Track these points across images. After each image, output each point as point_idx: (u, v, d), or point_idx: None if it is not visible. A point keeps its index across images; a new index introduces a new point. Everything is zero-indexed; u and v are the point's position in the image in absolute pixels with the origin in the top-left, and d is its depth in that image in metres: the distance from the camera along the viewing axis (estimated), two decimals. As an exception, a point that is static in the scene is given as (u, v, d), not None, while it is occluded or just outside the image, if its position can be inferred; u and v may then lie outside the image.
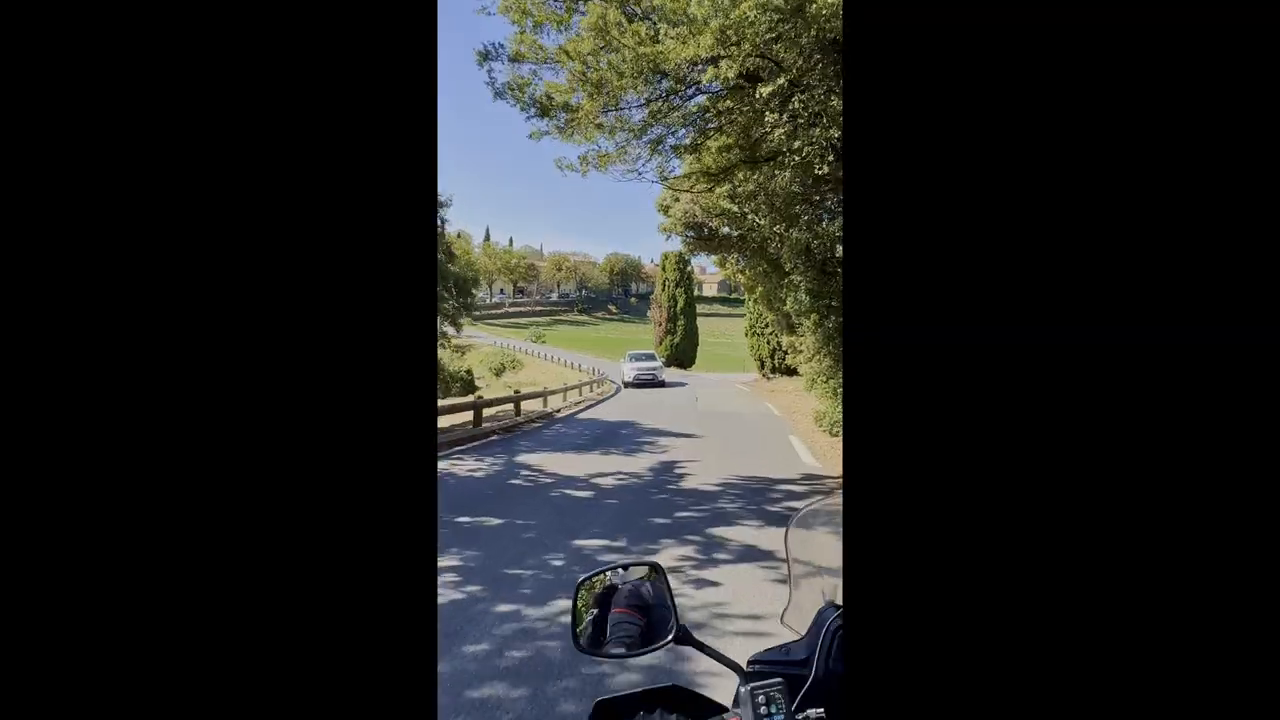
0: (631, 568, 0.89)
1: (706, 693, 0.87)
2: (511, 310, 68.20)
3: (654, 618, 0.85)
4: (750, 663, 0.87)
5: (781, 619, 1.04)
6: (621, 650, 0.83)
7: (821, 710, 0.77)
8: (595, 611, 0.86)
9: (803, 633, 0.93)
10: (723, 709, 0.83)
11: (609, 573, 0.89)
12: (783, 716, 0.75)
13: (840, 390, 8.19)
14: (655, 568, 0.89)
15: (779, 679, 0.78)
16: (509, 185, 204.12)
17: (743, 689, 0.78)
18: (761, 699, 0.76)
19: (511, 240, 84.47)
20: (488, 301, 70.29)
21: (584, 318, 72.06)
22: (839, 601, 0.92)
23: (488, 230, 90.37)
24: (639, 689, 0.85)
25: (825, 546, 1.06)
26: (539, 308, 73.52)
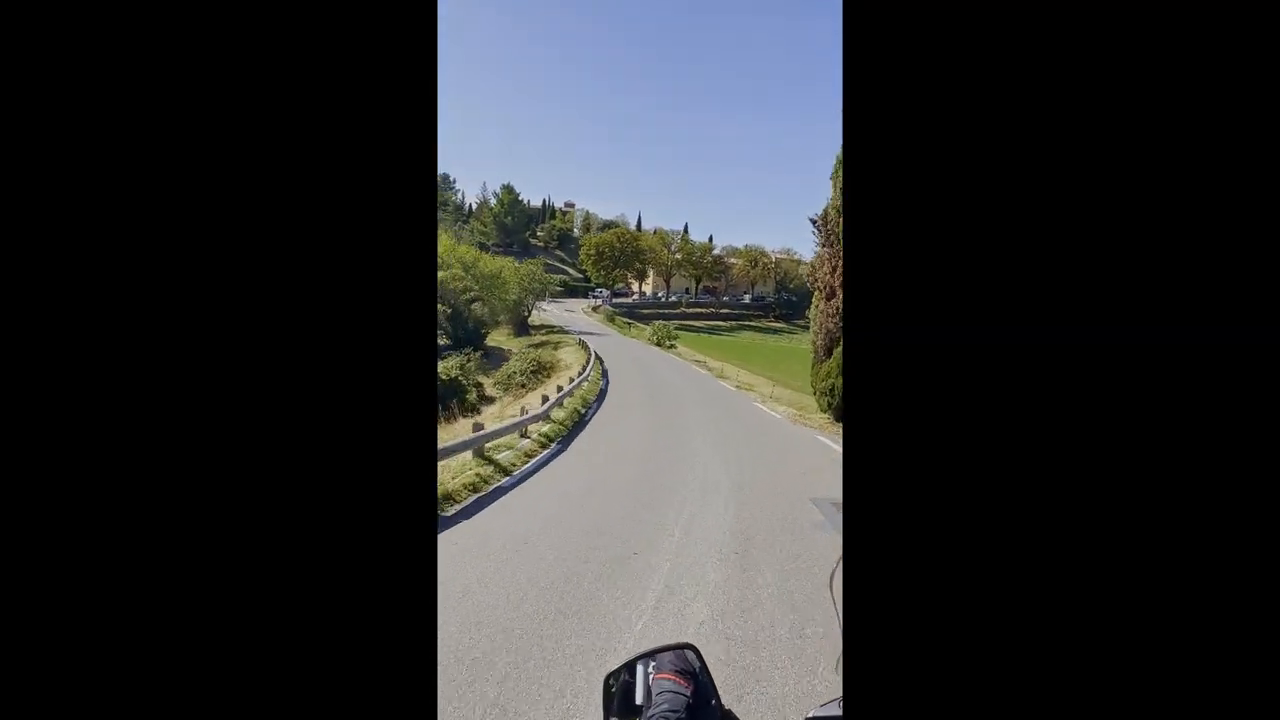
0: (668, 649, 0.79)
1: None
2: (689, 311, 56.17)
3: (699, 687, 0.75)
4: None
5: (836, 669, 0.92)
6: None
7: None
8: (629, 694, 0.76)
9: None
10: None
11: (639, 661, 0.79)
12: None
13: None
14: (691, 647, 0.80)
15: None
16: (717, 184, 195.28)
17: None
18: None
19: (711, 238, 73.25)
20: (659, 299, 58.88)
21: (779, 325, 57.20)
22: None
23: (686, 226, 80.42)
24: None
25: None
26: (724, 310, 60.20)
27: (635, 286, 72.52)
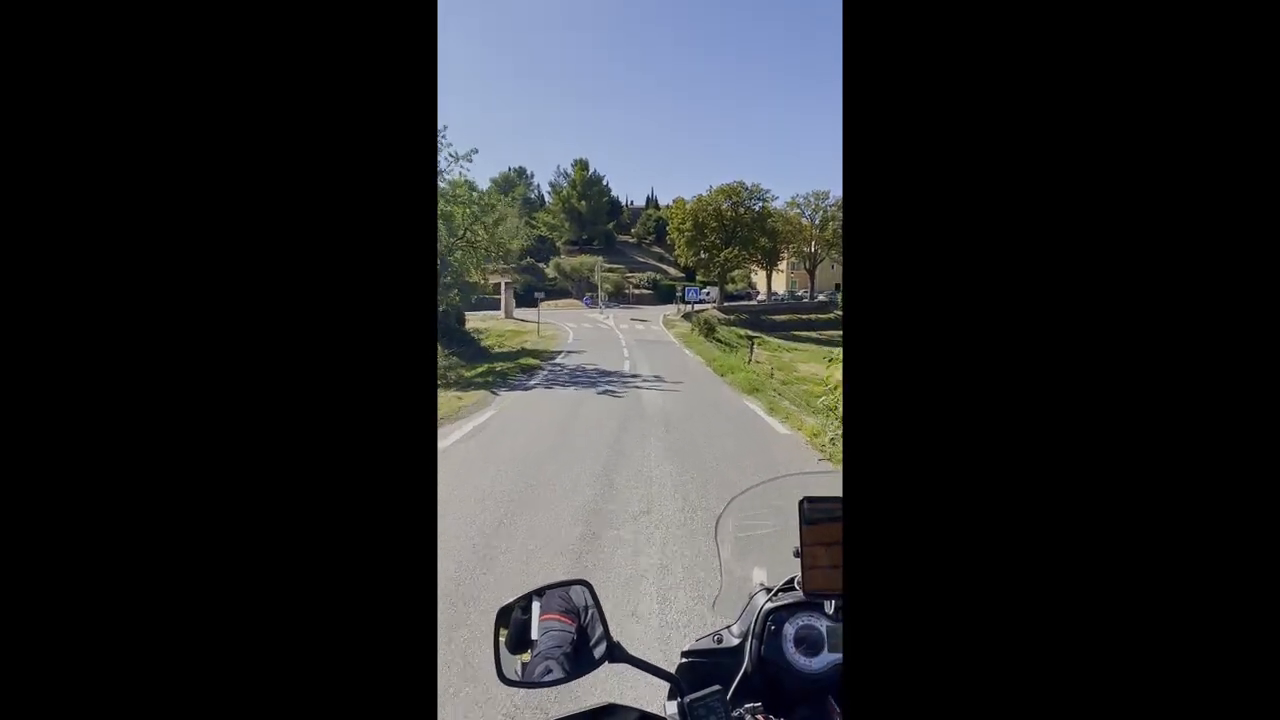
0: (561, 585, 0.85)
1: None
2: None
3: (585, 627, 0.82)
4: (684, 654, 0.91)
5: (713, 606, 1.09)
6: (552, 669, 0.78)
7: (759, 704, 0.79)
8: (520, 631, 0.81)
9: (734, 619, 0.98)
10: None
11: (534, 595, 0.84)
12: None
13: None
14: (583, 583, 0.85)
15: (717, 688, 0.78)
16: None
17: (684, 701, 0.78)
18: (701, 711, 0.76)
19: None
20: (799, 299, 34.14)
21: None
22: (769, 584, 0.99)
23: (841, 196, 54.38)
24: (576, 711, 0.81)
25: (755, 531, 1.11)
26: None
27: (760, 282, 48.05)
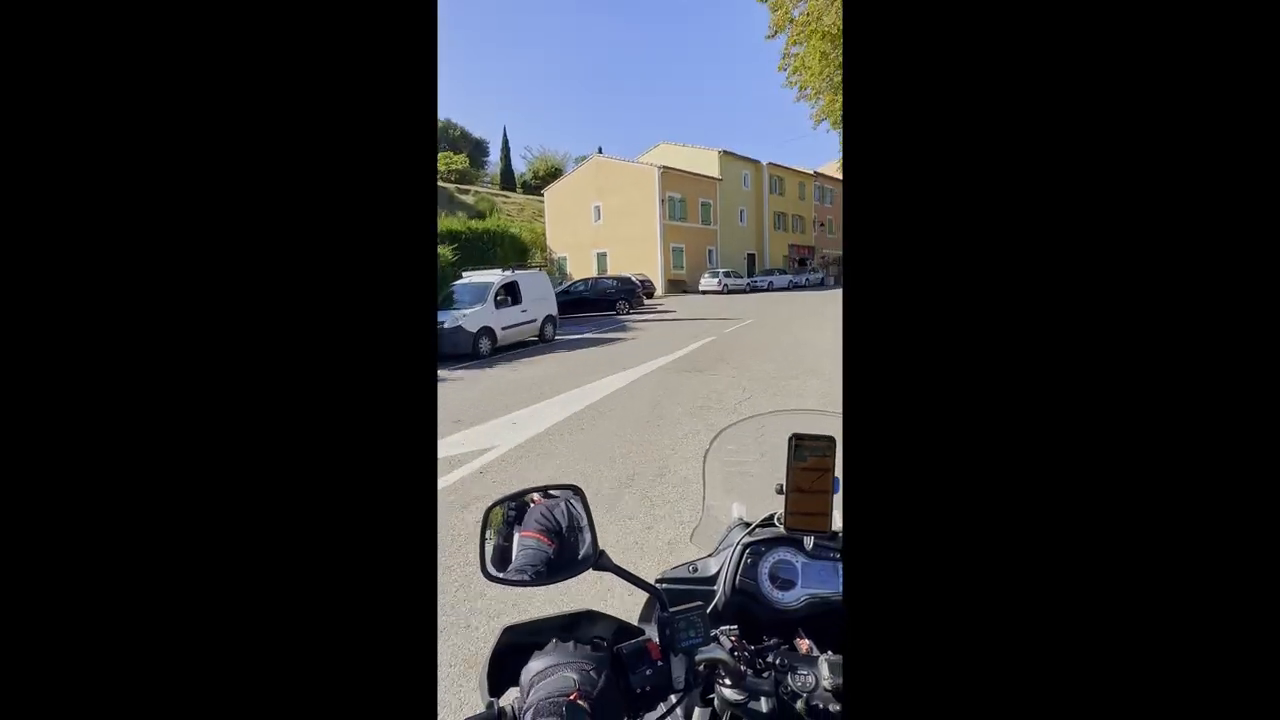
0: (550, 491, 0.86)
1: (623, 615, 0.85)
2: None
3: (568, 542, 0.82)
4: (659, 580, 0.92)
5: (691, 538, 1.13)
6: (526, 578, 0.80)
7: (735, 627, 0.82)
8: (503, 538, 0.83)
9: (710, 551, 1.01)
10: (639, 631, 0.83)
11: (524, 497, 0.86)
12: (701, 639, 0.77)
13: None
14: (574, 490, 0.86)
15: (699, 603, 0.80)
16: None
17: (664, 614, 0.79)
18: (682, 623, 0.77)
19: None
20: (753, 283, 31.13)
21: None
22: (748, 519, 1.02)
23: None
24: (556, 614, 0.84)
25: (740, 467, 1.13)
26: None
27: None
